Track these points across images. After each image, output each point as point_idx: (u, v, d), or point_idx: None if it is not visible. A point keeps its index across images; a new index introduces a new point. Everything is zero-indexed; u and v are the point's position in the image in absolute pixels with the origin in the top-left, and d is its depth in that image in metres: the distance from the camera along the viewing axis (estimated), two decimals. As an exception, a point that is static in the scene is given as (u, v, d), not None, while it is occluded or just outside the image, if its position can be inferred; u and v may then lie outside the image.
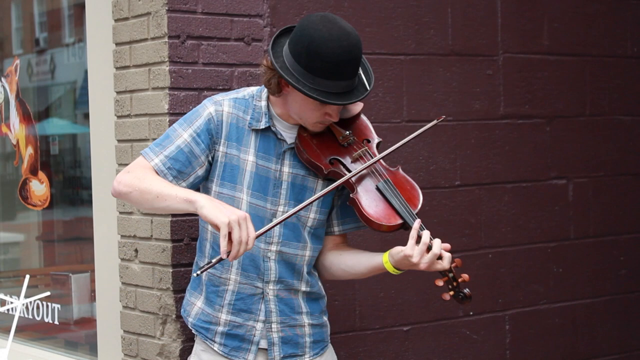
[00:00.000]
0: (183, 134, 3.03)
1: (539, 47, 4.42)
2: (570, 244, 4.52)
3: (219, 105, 3.06)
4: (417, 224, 2.93)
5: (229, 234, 2.76)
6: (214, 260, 2.81)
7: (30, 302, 4.48)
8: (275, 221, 2.94)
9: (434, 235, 2.95)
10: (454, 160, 4.17)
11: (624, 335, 4.72)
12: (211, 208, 2.79)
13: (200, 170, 3.04)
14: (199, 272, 2.84)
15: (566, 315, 4.50)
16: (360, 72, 3.02)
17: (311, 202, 2.97)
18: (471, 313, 4.19)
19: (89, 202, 3.97)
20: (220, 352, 3.10)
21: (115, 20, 3.69)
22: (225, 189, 3.04)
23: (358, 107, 3.17)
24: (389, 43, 3.99)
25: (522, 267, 4.36)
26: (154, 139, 3.49)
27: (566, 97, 4.51)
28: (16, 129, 4.79)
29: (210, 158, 3.06)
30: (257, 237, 2.83)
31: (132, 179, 2.98)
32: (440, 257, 2.94)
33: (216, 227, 2.78)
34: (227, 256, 2.77)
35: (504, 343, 4.31)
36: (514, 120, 4.34)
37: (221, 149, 3.05)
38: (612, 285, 4.66)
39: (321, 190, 3.03)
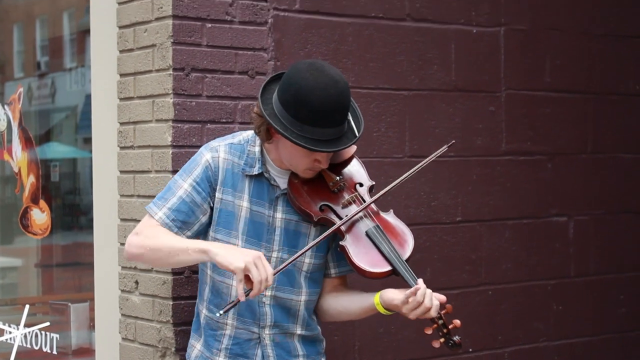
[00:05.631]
0: (183, 184, 3.04)
1: (541, 84, 4.43)
2: (571, 282, 4.51)
3: (214, 152, 3.07)
4: (414, 289, 2.91)
5: (246, 275, 2.78)
6: (235, 300, 2.84)
7: (29, 332, 4.46)
8: (288, 260, 2.95)
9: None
10: (456, 196, 4.16)
11: (623, 374, 4.71)
12: (225, 255, 2.82)
13: (204, 217, 3.05)
14: (222, 312, 2.86)
15: (565, 353, 4.48)
16: (350, 117, 3.02)
17: (304, 252, 2.98)
18: (470, 350, 4.17)
19: (88, 227, 3.96)
20: None
21: (120, 51, 3.70)
22: (220, 235, 3.05)
23: (350, 151, 3.14)
24: (393, 78, 4.00)
25: (522, 304, 4.35)
26: (157, 171, 3.50)
27: (568, 134, 4.51)
28: (18, 157, 4.78)
29: (211, 204, 3.06)
30: (275, 273, 2.87)
31: (142, 239, 3.00)
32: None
33: (233, 272, 2.80)
34: (245, 297, 2.79)
35: (502, 380, 4.30)
36: (515, 157, 4.34)
37: (217, 195, 3.06)
38: (612, 323, 4.65)
39: (315, 235, 3.06)
